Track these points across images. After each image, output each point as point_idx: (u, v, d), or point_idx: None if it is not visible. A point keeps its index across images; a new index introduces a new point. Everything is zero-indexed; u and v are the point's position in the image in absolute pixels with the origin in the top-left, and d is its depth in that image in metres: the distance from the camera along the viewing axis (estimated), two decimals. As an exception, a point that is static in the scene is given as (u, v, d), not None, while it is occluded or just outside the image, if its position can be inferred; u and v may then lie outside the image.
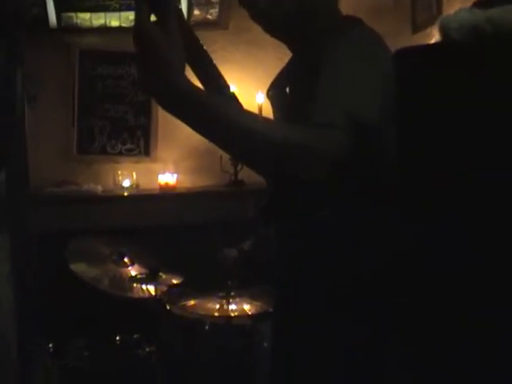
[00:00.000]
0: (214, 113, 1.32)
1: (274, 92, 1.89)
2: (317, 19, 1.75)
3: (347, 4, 1.93)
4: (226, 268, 3.43)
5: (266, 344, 3.30)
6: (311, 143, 1.37)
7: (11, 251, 3.02)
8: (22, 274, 3.14)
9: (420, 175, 1.54)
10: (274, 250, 1.98)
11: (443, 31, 1.72)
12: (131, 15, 4.99)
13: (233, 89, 1.56)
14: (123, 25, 5.04)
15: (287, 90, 1.81)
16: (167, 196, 4.90)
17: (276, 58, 4.69)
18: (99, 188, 4.90)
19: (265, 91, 4.12)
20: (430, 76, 1.58)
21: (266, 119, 1.49)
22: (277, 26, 1.79)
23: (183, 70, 1.31)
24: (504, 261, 1.43)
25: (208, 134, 1.36)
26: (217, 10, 4.98)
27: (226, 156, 4.70)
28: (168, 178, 4.93)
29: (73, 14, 4.99)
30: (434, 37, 1.62)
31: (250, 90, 4.74)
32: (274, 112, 1.90)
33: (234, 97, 1.54)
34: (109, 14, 5.01)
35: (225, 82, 1.53)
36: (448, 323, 1.50)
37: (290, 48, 1.87)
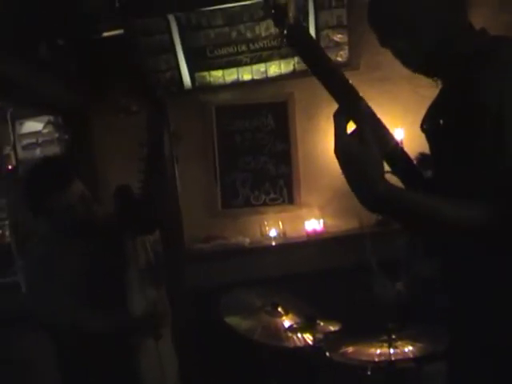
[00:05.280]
0: (414, 209, 1.48)
1: (429, 126, 1.82)
2: (457, 46, 1.69)
3: (480, 23, 1.81)
4: (384, 303, 3.33)
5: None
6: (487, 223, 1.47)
7: (171, 308, 3.06)
8: (181, 329, 3.16)
9: None
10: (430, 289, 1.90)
11: None
12: (262, 67, 5.06)
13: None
14: (255, 77, 5.11)
15: (441, 122, 1.73)
16: (316, 242, 4.85)
17: (412, 91, 4.65)
18: (247, 240, 4.94)
19: (403, 127, 4.01)
20: None
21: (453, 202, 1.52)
22: (417, 63, 1.76)
23: (382, 174, 1.44)
24: None
25: (409, 225, 1.65)
26: (346, 51, 4.95)
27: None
28: (314, 225, 4.88)
29: (206, 73, 5.11)
30: None
31: (388, 127, 4.63)
32: (430, 146, 1.82)
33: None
34: (241, 69, 5.09)
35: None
36: None
37: (440, 78, 1.80)
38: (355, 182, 1.44)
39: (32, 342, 3.83)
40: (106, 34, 4.27)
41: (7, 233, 4.80)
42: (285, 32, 1.49)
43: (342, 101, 1.50)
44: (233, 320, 3.62)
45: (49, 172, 2.86)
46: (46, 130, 5.10)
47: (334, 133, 1.46)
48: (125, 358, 2.80)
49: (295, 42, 1.51)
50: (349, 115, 1.47)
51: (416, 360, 3.14)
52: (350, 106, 1.48)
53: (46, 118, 5.08)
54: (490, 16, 4.02)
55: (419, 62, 1.74)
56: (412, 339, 3.22)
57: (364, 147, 1.41)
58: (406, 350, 3.16)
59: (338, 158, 1.45)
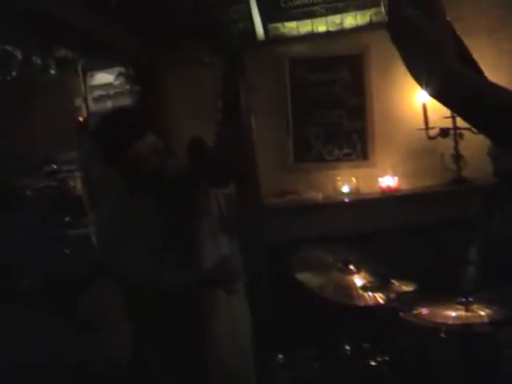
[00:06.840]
0: (480, 96, 1.18)
1: None
2: None
3: None
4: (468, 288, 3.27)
5: (508, 352, 3.07)
6: None
7: (244, 262, 3.02)
8: (255, 285, 3.15)
9: None
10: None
11: None
12: (337, 19, 4.93)
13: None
14: (330, 29, 4.98)
15: None
16: (390, 199, 4.75)
17: (492, 44, 4.45)
18: (320, 195, 4.87)
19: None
20: None
21: None
22: None
23: (453, 49, 1.18)
24: None
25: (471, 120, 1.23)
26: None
27: (447, 153, 4.48)
28: (389, 181, 4.77)
29: (279, 24, 5.00)
30: None
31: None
32: None
33: None
34: (315, 20, 4.96)
35: None
36: None
37: None
38: (419, 61, 1.19)
39: (104, 294, 3.87)
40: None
41: (78, 185, 4.84)
42: None
43: None
44: (304, 276, 3.59)
45: (122, 122, 2.82)
46: (117, 82, 5.09)
47: (390, 4, 1.21)
48: (195, 312, 2.78)
49: None
50: None
51: (493, 324, 3.05)
52: None
53: (117, 70, 5.06)
54: None
55: None
56: (489, 302, 3.13)
57: (434, 18, 1.18)
58: (483, 313, 3.07)
59: (391, 33, 1.21)
